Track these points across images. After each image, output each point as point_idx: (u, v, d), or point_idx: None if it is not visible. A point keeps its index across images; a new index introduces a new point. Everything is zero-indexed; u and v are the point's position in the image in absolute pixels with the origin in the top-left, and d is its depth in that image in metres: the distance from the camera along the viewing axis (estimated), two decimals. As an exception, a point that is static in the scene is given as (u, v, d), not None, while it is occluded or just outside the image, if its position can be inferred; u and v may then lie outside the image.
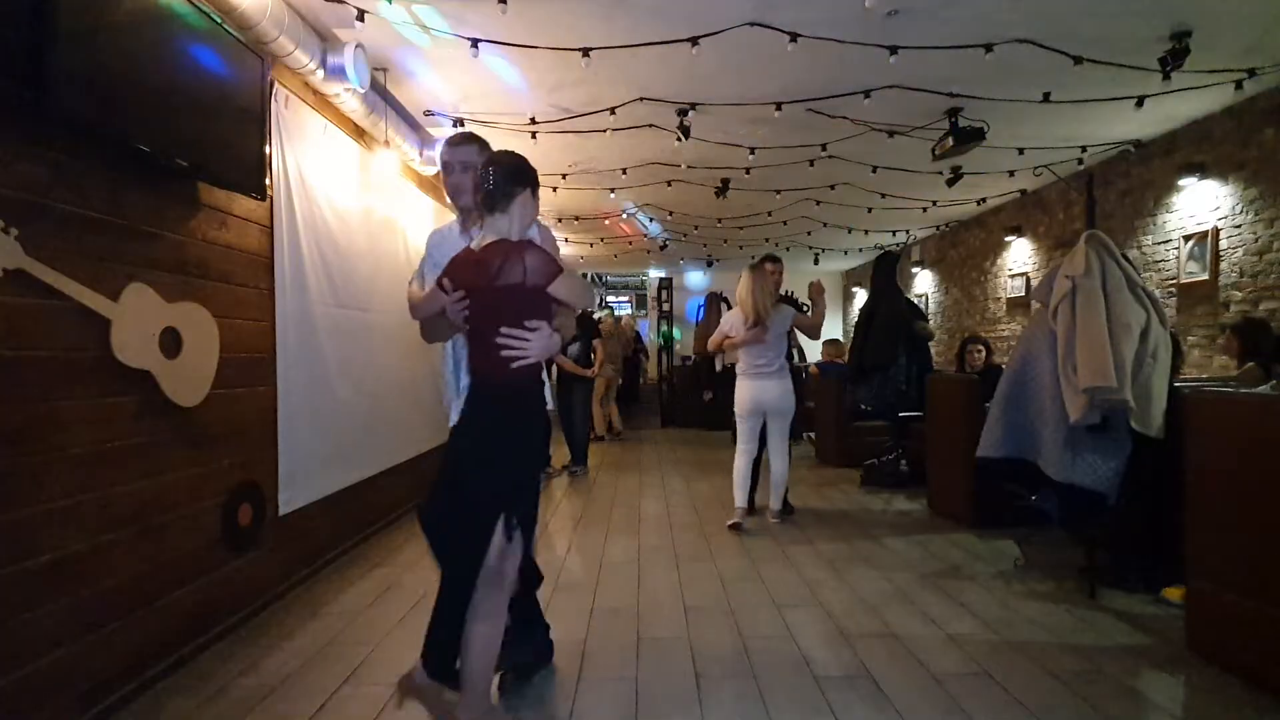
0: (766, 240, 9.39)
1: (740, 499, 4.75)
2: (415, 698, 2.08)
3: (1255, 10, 3.65)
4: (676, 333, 9.48)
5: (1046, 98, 4.61)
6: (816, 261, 11.53)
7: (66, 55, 1.99)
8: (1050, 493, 3.45)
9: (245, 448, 3.12)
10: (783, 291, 5.10)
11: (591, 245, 10.44)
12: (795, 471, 4.38)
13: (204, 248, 2.85)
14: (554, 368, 6.84)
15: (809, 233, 8.99)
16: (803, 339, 5.89)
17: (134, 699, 2.40)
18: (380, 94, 4.36)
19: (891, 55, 3.87)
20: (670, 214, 7.98)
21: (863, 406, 6.13)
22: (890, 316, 5.87)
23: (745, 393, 4.73)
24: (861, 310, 6.44)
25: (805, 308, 5.39)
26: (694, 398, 10.13)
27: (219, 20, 2.71)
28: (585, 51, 3.85)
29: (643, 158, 5.98)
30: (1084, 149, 5.94)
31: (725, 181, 6.49)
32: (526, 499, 2.14)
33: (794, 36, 3.69)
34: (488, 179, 2.08)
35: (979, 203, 7.99)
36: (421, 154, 5.11)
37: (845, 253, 11.14)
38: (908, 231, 9.82)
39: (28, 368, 2.05)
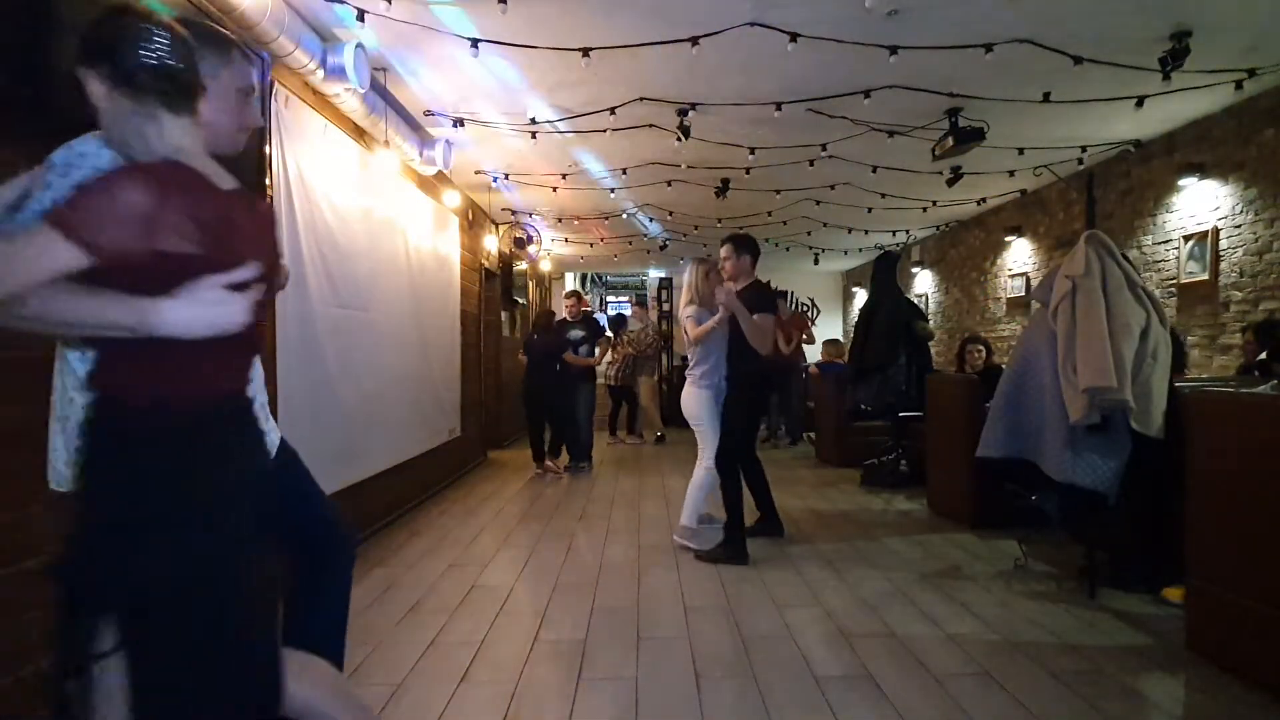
0: (766, 240, 9.38)
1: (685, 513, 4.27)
2: None
3: (1255, 10, 3.65)
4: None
5: (1046, 98, 4.60)
6: (816, 261, 11.53)
7: (66, 54, 1.99)
8: (1050, 493, 3.45)
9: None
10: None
11: (591, 245, 10.44)
12: (795, 471, 4.37)
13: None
14: (558, 364, 6.88)
15: (809, 233, 8.99)
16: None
17: (134, 699, 2.40)
18: (380, 94, 4.36)
19: (891, 55, 3.87)
20: (670, 214, 7.98)
21: (863, 406, 6.13)
22: (890, 316, 5.87)
23: None
24: (861, 310, 6.44)
25: (804, 308, 5.27)
26: (694, 398, 10.10)
27: (219, 20, 2.71)
28: (585, 51, 3.85)
29: (643, 158, 5.98)
30: (1084, 149, 5.94)
31: (725, 181, 6.50)
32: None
33: (794, 36, 3.69)
34: None
35: (979, 203, 7.99)
36: (421, 154, 5.11)
37: (845, 253, 11.13)
38: (908, 231, 9.82)
39: (28, 368, 2.04)
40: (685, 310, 4.25)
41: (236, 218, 1.31)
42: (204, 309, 1.20)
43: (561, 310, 7.84)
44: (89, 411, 1.27)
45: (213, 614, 1.23)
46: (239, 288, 1.25)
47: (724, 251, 4.14)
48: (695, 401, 4.17)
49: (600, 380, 8.89)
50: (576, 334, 7.13)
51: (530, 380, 6.84)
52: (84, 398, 1.32)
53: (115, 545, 1.19)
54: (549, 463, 6.86)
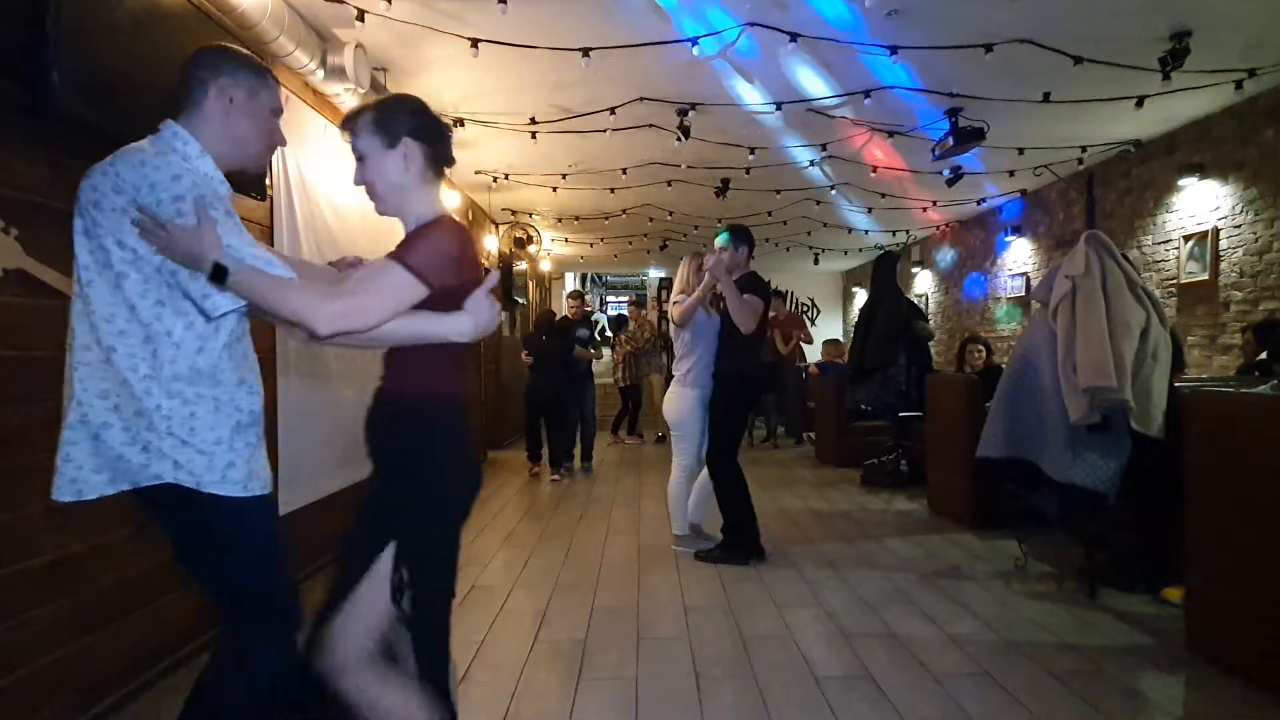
0: (766, 240, 9.38)
1: (675, 521, 4.24)
2: None
3: (1255, 10, 3.65)
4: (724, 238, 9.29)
5: (1046, 98, 4.60)
6: (816, 261, 11.53)
7: (67, 55, 1.99)
8: (1050, 493, 3.45)
9: (245, 448, 3.11)
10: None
11: (591, 245, 10.44)
12: (795, 471, 4.36)
13: (204, 248, 2.85)
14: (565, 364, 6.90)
15: (809, 233, 8.98)
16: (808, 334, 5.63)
17: (134, 699, 2.40)
18: (380, 94, 4.35)
19: (891, 55, 3.87)
20: (670, 214, 7.98)
21: (863, 406, 6.13)
22: (890, 316, 5.86)
23: None
24: (861, 310, 6.44)
25: (804, 308, 5.23)
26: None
27: (219, 20, 2.71)
28: (585, 51, 3.85)
29: (643, 158, 5.98)
30: (1084, 149, 5.94)
31: (725, 181, 6.49)
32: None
33: (794, 36, 3.69)
34: (448, 135, 1.74)
35: (979, 203, 7.99)
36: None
37: (845, 253, 11.14)
38: (908, 231, 9.82)
39: (28, 368, 2.05)
40: (674, 298, 4.16)
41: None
42: (480, 316, 1.55)
43: (563, 309, 7.85)
44: (385, 409, 1.61)
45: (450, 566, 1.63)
46: (490, 295, 1.58)
47: (719, 243, 3.99)
48: (680, 402, 4.05)
49: (609, 380, 8.92)
50: (584, 333, 7.16)
51: (537, 381, 6.78)
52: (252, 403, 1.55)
53: (413, 513, 1.55)
54: (562, 470, 6.81)
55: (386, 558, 1.54)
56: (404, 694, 1.53)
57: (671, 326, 4.21)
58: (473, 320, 1.54)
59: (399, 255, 1.49)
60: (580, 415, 7.07)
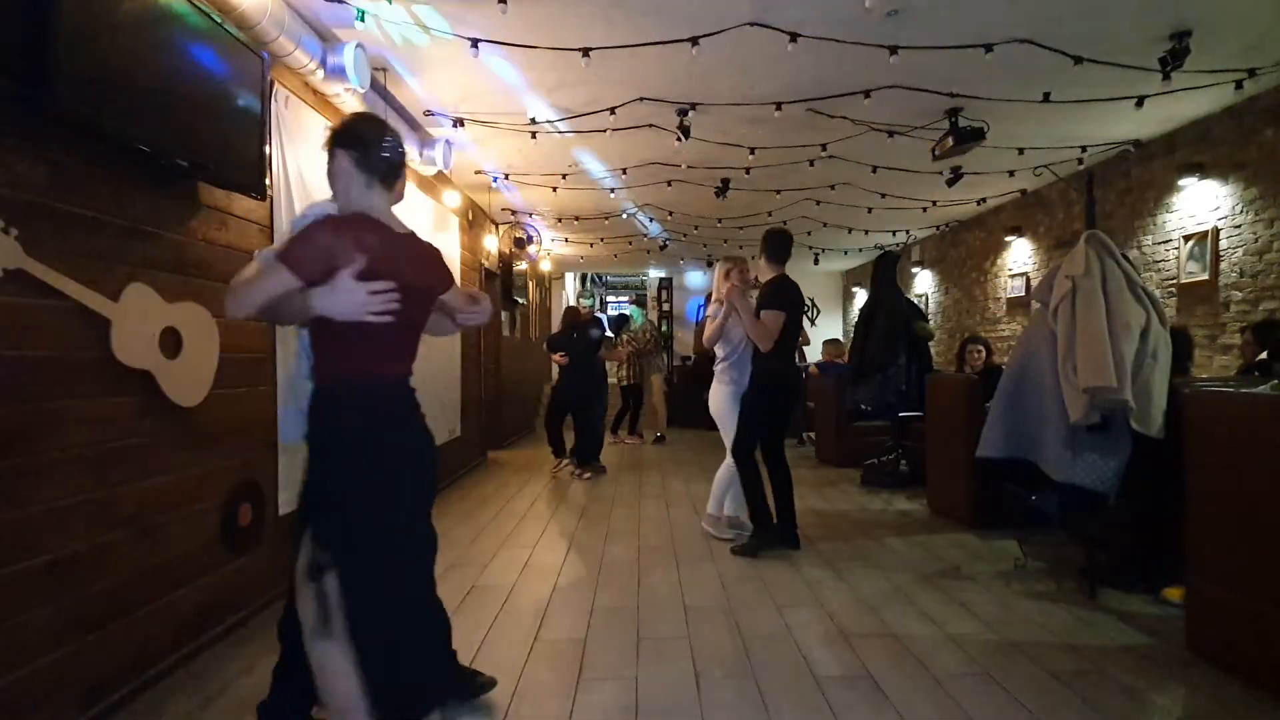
0: (766, 240, 9.39)
1: (712, 501, 4.53)
2: None
3: (1255, 10, 3.65)
4: (637, 315, 9.47)
5: (1046, 98, 4.60)
6: (816, 261, 11.53)
7: (67, 55, 1.99)
8: (1050, 493, 3.45)
9: (245, 448, 3.12)
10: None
11: (591, 245, 10.44)
12: (795, 471, 4.33)
13: (204, 248, 2.85)
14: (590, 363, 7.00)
15: (809, 233, 8.98)
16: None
17: (134, 699, 2.40)
18: (380, 94, 4.36)
19: (891, 55, 3.87)
20: (670, 214, 7.98)
21: (863, 406, 6.13)
22: (890, 316, 5.86)
23: None
24: (861, 310, 6.44)
25: (804, 308, 5.24)
26: (694, 398, 10.13)
27: (219, 20, 2.71)
28: (585, 51, 3.85)
29: (643, 158, 5.98)
30: (1084, 149, 5.94)
31: (725, 181, 6.49)
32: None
33: (794, 36, 3.69)
34: (395, 149, 1.90)
35: (979, 203, 7.99)
36: (421, 154, 5.11)
37: (845, 253, 11.14)
38: (908, 231, 9.82)
39: (28, 368, 2.05)
40: (709, 311, 4.46)
41: (396, 250, 1.84)
42: (338, 293, 1.71)
43: (559, 308, 7.91)
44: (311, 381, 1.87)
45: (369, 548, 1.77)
46: (378, 292, 1.74)
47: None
48: (717, 396, 4.36)
49: (612, 380, 8.99)
50: (596, 333, 7.23)
51: (570, 381, 6.88)
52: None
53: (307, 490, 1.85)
54: (593, 467, 6.87)
55: (305, 539, 1.77)
56: (344, 676, 1.69)
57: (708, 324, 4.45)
58: (330, 295, 1.71)
59: (277, 248, 1.81)
60: (595, 416, 7.19)
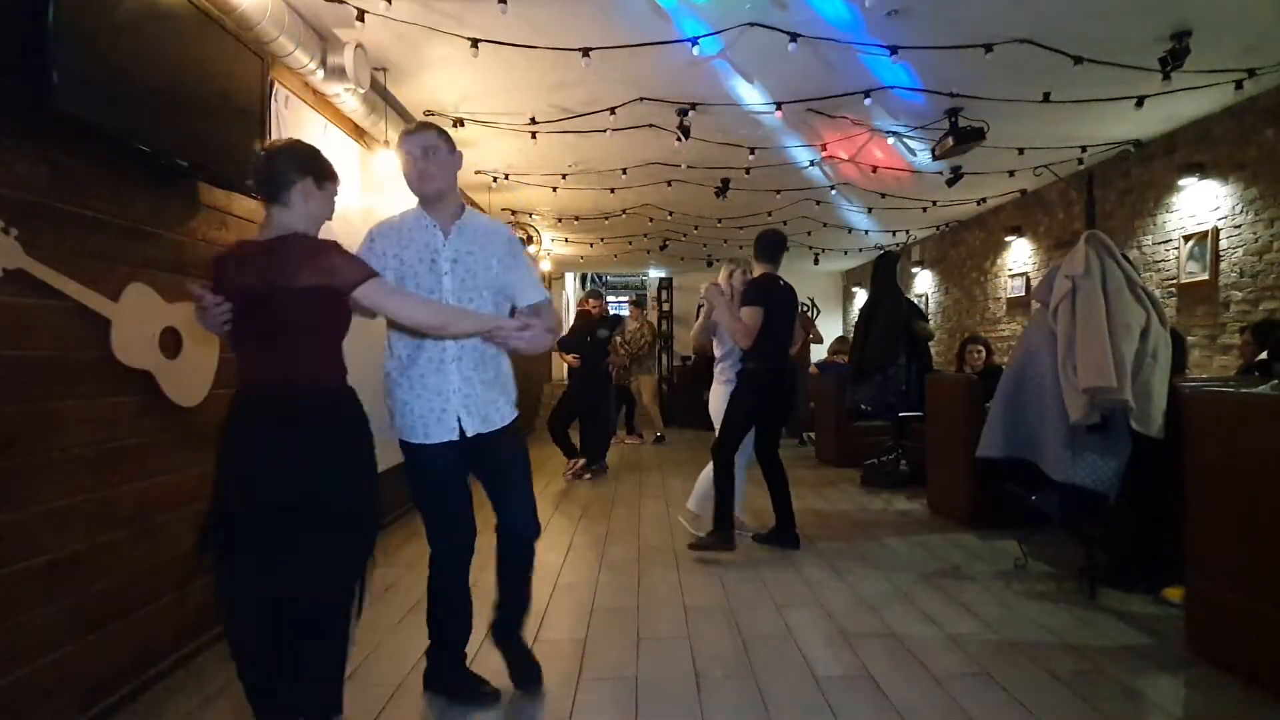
0: (766, 240, 9.38)
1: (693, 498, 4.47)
2: None
3: (1255, 10, 3.65)
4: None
5: (1046, 98, 4.60)
6: (816, 261, 11.53)
7: (66, 55, 1.99)
8: (1050, 493, 3.45)
9: (245, 448, 3.11)
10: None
11: (591, 245, 10.43)
12: (795, 471, 4.36)
13: (204, 248, 2.85)
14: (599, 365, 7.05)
15: (809, 233, 8.98)
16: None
17: (134, 699, 2.40)
18: (380, 94, 4.35)
19: (891, 55, 3.87)
20: (670, 214, 7.98)
21: (863, 406, 6.13)
22: (890, 316, 5.86)
23: None
24: (861, 310, 6.44)
25: (805, 308, 5.26)
26: (694, 398, 10.13)
27: (219, 20, 2.71)
28: (585, 51, 3.85)
29: (643, 158, 5.98)
30: (1084, 149, 5.94)
31: (725, 181, 6.49)
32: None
33: (794, 36, 3.69)
34: (262, 166, 1.96)
35: (979, 203, 7.99)
36: (421, 154, 5.11)
37: (845, 253, 11.14)
38: (908, 231, 9.82)
39: (28, 368, 2.04)
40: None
41: (247, 260, 1.91)
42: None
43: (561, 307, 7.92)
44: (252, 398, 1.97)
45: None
46: (203, 307, 1.87)
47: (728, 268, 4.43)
48: (716, 396, 4.38)
49: None
50: (604, 333, 7.25)
51: (584, 383, 6.91)
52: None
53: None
54: (596, 468, 6.88)
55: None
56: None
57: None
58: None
59: None
60: (606, 415, 7.24)
